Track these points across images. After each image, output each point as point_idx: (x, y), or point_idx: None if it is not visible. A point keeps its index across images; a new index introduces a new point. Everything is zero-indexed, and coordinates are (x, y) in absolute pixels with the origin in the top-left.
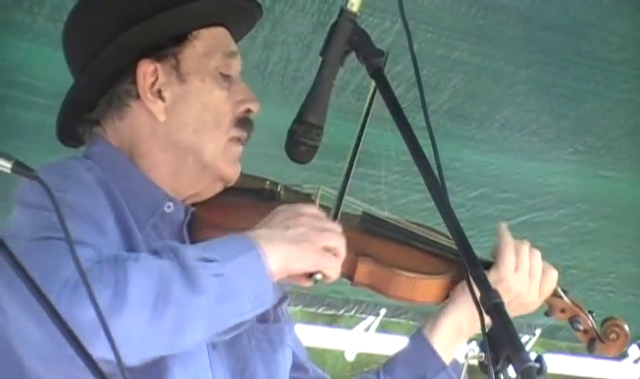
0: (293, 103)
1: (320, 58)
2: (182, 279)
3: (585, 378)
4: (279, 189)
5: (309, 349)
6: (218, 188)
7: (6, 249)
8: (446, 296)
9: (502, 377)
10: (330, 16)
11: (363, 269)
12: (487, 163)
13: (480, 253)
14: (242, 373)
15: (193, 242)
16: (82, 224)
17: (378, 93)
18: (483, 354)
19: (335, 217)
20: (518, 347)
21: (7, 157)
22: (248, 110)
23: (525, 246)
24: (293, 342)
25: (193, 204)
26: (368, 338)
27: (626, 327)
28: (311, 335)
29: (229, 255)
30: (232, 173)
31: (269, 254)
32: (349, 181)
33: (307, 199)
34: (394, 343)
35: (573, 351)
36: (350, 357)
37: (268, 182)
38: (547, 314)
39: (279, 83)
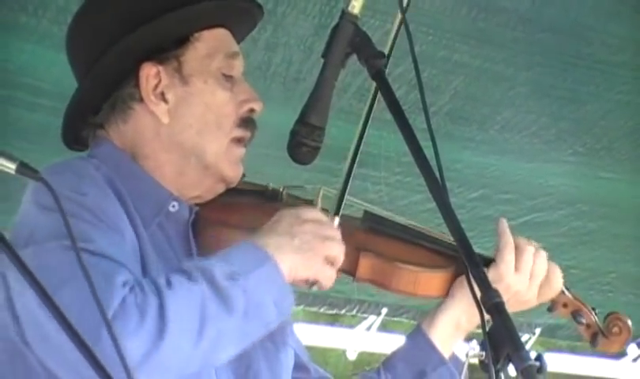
0: (295, 104)
1: (322, 60)
2: (216, 300)
3: (584, 377)
4: (281, 189)
5: (311, 348)
6: (220, 189)
7: (9, 247)
8: (448, 291)
9: (502, 375)
10: (332, 18)
11: (366, 264)
12: (488, 165)
13: (480, 251)
14: (246, 372)
15: (197, 240)
16: (105, 231)
17: (379, 95)
18: (483, 353)
19: (340, 201)
20: (518, 346)
21: (11, 158)
22: (251, 110)
23: (530, 247)
24: (294, 343)
25: (196, 205)
26: (370, 337)
27: (629, 322)
28: (313, 335)
29: (249, 268)
30: (234, 174)
31: (279, 262)
32: (350, 182)
33: (309, 202)
34: (395, 342)
35: (573, 350)
36: (352, 356)
37: (270, 184)
38: (549, 310)
39: (281, 84)
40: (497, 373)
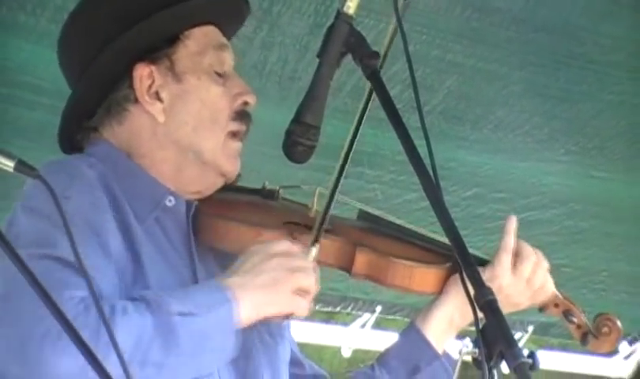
0: (291, 103)
1: (317, 59)
2: (160, 339)
3: (576, 374)
4: (277, 188)
5: (306, 345)
6: (219, 183)
7: (9, 247)
8: (442, 288)
9: (495, 372)
10: (327, 17)
11: (362, 259)
12: (481, 163)
13: (475, 252)
14: (246, 365)
15: (197, 233)
16: (84, 240)
17: (374, 95)
18: (476, 350)
19: (318, 231)
20: (511, 343)
21: (10, 156)
22: (245, 103)
23: (533, 256)
24: (290, 338)
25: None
26: (364, 335)
27: (619, 322)
28: (308, 332)
29: (205, 308)
30: (232, 168)
31: (241, 301)
32: (341, 182)
33: (304, 205)
34: (390, 340)
35: (565, 348)
36: (346, 353)
37: (266, 184)
38: (540, 310)
39: (276, 83)
40: (490, 370)
